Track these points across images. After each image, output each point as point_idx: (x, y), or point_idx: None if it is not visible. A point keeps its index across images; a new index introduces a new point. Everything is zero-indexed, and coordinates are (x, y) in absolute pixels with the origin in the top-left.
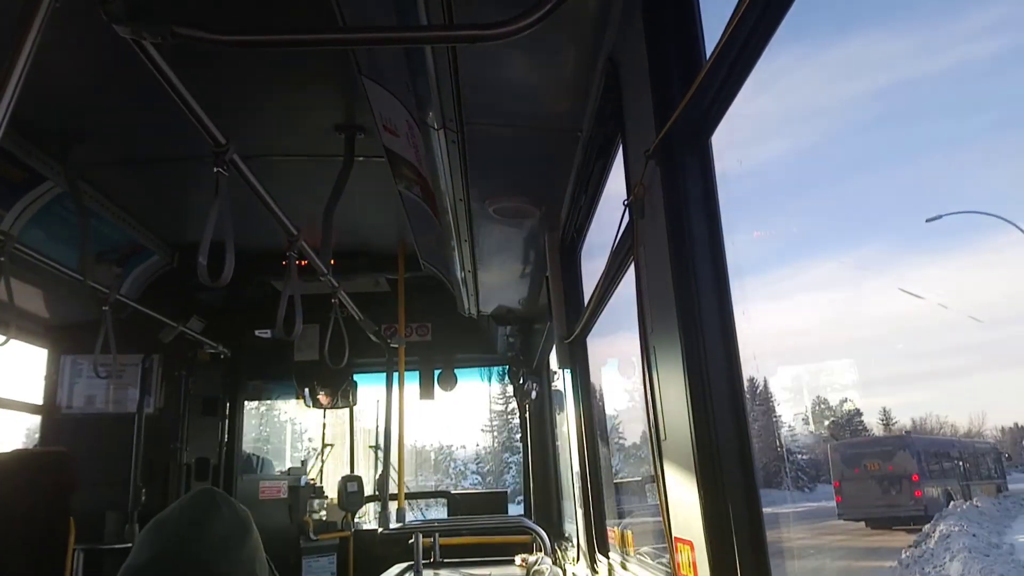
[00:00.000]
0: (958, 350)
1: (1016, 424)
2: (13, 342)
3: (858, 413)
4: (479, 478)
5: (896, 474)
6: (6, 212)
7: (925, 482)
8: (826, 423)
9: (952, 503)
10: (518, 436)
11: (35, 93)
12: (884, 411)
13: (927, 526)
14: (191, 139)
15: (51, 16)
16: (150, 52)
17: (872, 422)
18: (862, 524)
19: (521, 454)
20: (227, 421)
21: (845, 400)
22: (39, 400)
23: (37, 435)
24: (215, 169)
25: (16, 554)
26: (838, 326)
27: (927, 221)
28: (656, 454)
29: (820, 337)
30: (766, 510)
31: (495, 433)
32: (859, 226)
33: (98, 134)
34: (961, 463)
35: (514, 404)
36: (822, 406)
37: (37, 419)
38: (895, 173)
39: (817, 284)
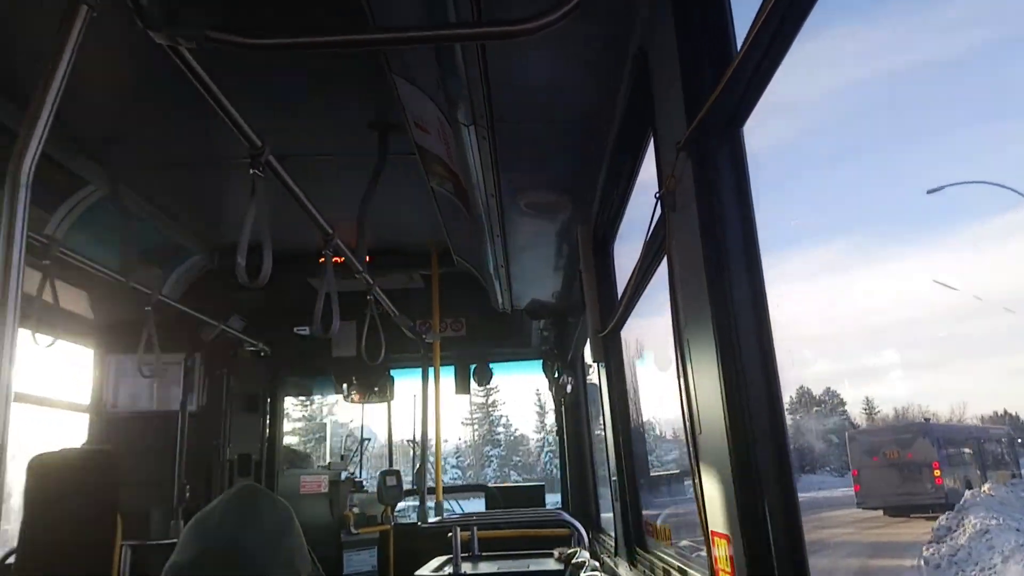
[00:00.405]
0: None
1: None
2: (60, 342)
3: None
4: (459, 472)
5: (915, 462)
6: (50, 216)
7: (945, 469)
8: (840, 411)
9: (971, 491)
10: (499, 429)
11: (76, 99)
12: (867, 400)
13: (947, 515)
14: (228, 141)
15: (89, 24)
16: (186, 57)
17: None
18: (879, 512)
19: (557, 447)
20: (268, 417)
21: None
22: (86, 400)
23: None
24: (251, 171)
25: (65, 551)
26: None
27: (928, 193)
28: (691, 448)
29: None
30: None
31: (475, 427)
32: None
33: (138, 138)
34: (978, 450)
35: (495, 397)
36: (830, 395)
37: (85, 417)
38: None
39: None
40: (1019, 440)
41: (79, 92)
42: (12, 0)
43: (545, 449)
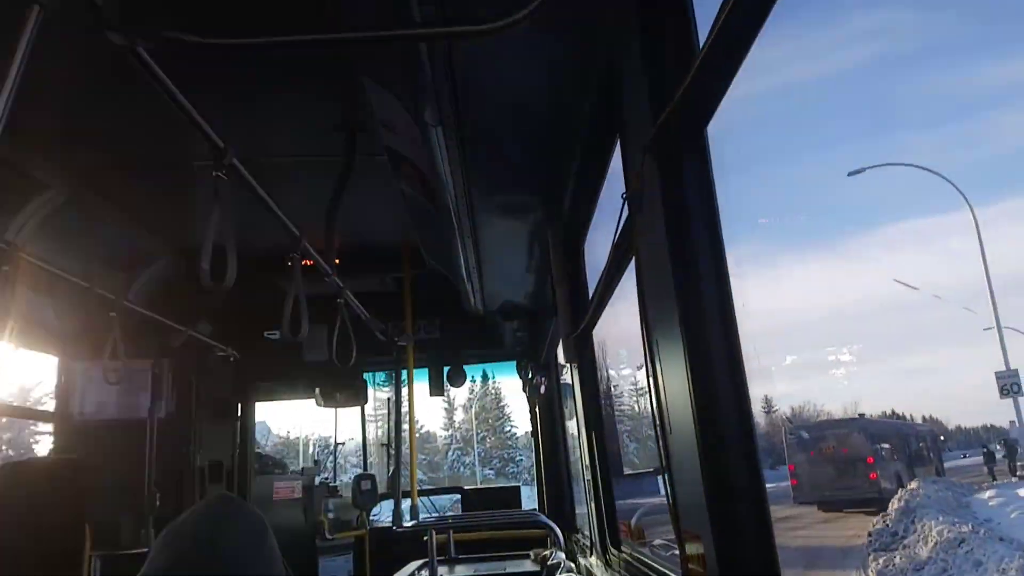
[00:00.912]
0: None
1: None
2: (24, 350)
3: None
4: (421, 473)
5: (851, 456)
6: (11, 221)
7: (879, 464)
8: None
9: (906, 486)
10: (464, 428)
11: (34, 101)
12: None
13: (886, 515)
14: (191, 143)
15: (43, 24)
16: (144, 57)
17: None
18: (814, 507)
19: (532, 448)
20: (239, 423)
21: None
22: (51, 407)
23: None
24: (214, 173)
25: (34, 561)
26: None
27: (849, 175)
28: (662, 447)
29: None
30: None
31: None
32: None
33: (99, 140)
34: (905, 446)
35: (457, 397)
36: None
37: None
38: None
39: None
40: (942, 438)
41: (36, 94)
42: None
43: (452, 447)
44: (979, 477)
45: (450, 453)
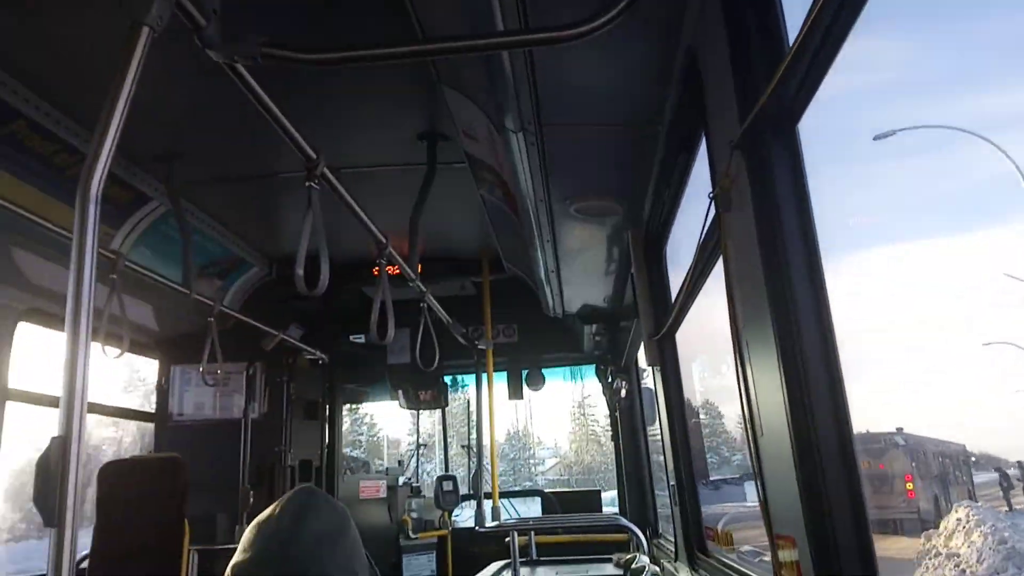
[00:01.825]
0: None
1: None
2: (127, 354)
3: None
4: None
5: (888, 473)
6: (116, 232)
7: (916, 483)
8: None
9: (947, 507)
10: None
11: (138, 118)
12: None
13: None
14: (283, 155)
15: (150, 44)
16: (242, 74)
17: None
18: None
19: (614, 452)
20: (327, 424)
21: None
22: (152, 408)
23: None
24: (307, 183)
25: (136, 555)
26: None
27: (875, 139)
28: (753, 450)
29: None
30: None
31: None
32: None
33: (198, 154)
34: (941, 464)
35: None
36: None
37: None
38: None
39: None
40: (972, 457)
41: (142, 111)
42: (76, 24)
43: (411, 451)
44: (996, 502)
45: (412, 460)
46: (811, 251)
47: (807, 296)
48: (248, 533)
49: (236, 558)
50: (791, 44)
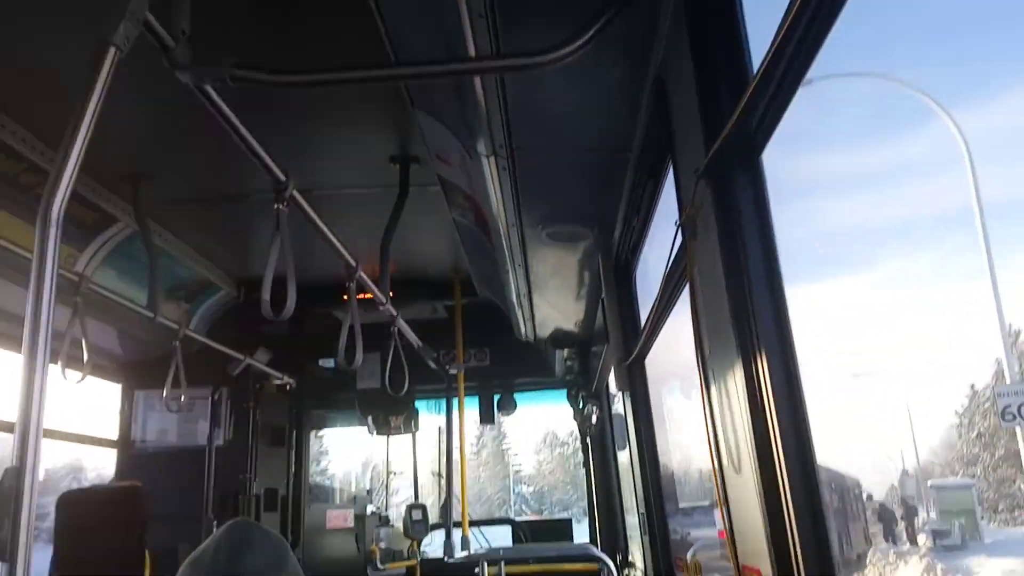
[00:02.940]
0: None
1: None
2: (89, 378)
3: None
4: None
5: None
6: (80, 253)
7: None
8: None
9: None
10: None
11: (105, 138)
12: None
13: None
14: (253, 177)
15: (117, 64)
16: (211, 95)
17: None
18: None
19: (584, 479)
20: (294, 451)
21: None
22: (114, 435)
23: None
24: (275, 206)
25: None
26: None
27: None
28: (719, 480)
29: None
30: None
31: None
32: None
33: (165, 175)
34: (843, 499)
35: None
36: None
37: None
38: None
39: None
40: (869, 495)
41: (108, 131)
42: (43, 43)
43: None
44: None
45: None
46: (774, 281)
47: (770, 327)
48: (184, 570)
49: None
50: (754, 74)
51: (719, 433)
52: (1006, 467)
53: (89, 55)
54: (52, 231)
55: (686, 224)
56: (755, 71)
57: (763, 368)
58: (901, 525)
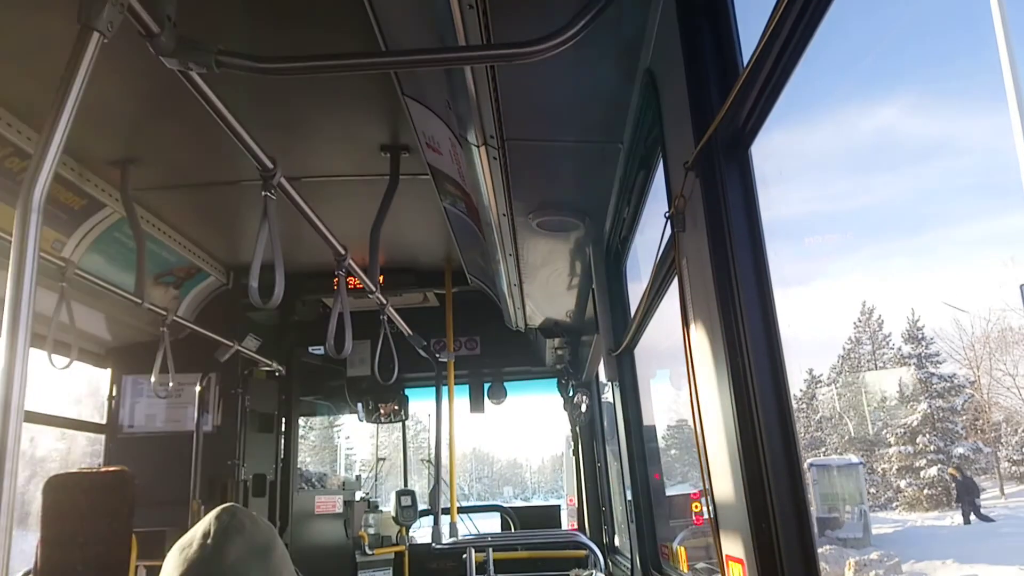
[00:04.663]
0: None
1: None
2: (76, 363)
3: None
4: None
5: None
6: (67, 238)
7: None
8: None
9: None
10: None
11: (92, 123)
12: None
13: None
14: (241, 163)
15: (101, 49)
16: (196, 81)
17: None
18: None
19: (573, 467)
20: (283, 437)
21: None
22: (102, 420)
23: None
24: (263, 192)
25: (81, 570)
26: None
27: None
28: (705, 471)
29: None
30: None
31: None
32: None
33: (153, 160)
34: None
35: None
36: None
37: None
38: None
39: None
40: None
41: (95, 116)
42: (27, 27)
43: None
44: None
45: None
46: (761, 274)
47: (757, 320)
48: (171, 559)
49: None
50: (743, 67)
51: (705, 423)
52: None
53: (71, 40)
54: (33, 216)
55: (675, 216)
56: (745, 65)
57: (749, 359)
58: None
